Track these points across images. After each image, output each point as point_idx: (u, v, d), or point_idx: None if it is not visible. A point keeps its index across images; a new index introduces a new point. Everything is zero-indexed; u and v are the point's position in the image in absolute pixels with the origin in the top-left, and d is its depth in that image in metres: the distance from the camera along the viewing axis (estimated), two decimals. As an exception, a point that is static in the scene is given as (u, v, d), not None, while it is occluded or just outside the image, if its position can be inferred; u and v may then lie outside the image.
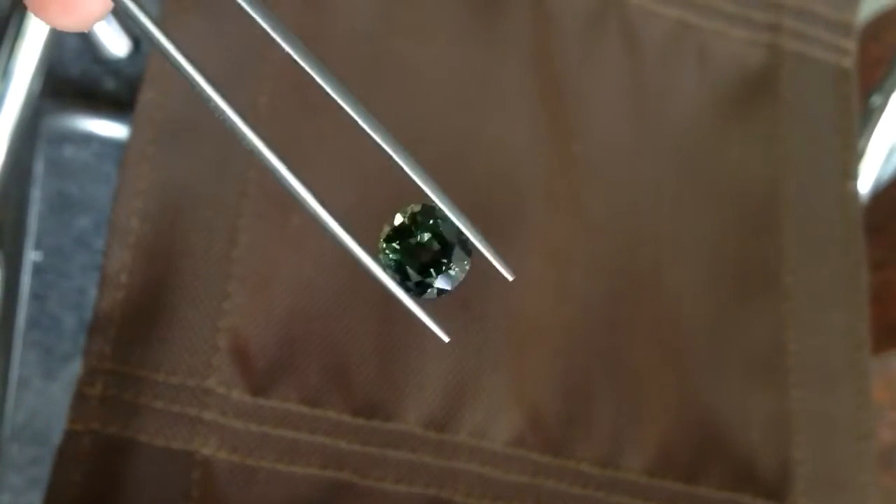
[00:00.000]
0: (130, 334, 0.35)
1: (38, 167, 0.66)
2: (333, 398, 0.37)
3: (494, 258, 0.18)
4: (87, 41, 0.67)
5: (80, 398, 0.35)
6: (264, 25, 0.17)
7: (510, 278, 0.19)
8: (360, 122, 0.18)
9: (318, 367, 0.37)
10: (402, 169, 0.18)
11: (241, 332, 0.36)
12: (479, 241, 0.18)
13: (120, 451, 0.34)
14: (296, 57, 0.17)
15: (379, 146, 0.18)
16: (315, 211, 0.18)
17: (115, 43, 0.64)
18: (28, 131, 0.44)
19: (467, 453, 0.38)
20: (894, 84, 0.49)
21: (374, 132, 0.18)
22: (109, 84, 0.69)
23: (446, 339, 0.19)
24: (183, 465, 0.35)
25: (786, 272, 0.44)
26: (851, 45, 0.48)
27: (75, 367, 0.61)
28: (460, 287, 0.18)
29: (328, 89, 0.18)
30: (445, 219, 0.18)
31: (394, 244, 0.18)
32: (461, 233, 0.18)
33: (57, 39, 0.43)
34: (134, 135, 0.38)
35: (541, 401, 0.39)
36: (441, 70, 0.42)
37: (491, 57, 0.43)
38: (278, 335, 0.37)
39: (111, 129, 0.66)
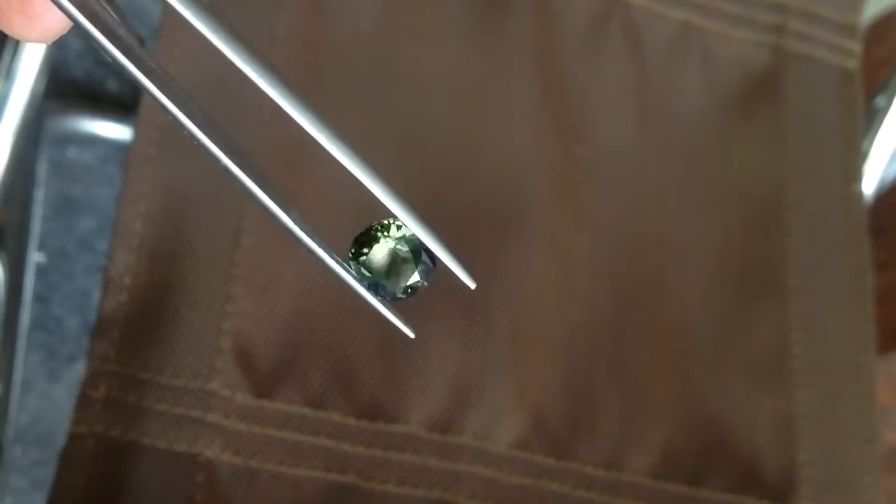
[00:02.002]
0: (134, 337, 0.35)
1: (42, 169, 0.66)
2: (337, 400, 0.37)
3: (456, 268, 0.19)
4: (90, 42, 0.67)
5: (83, 401, 0.35)
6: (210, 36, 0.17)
7: (472, 286, 0.19)
8: (318, 137, 0.18)
9: (321, 370, 0.37)
10: (363, 185, 0.19)
11: (245, 335, 0.36)
12: (441, 252, 0.19)
13: (123, 453, 0.34)
14: (229, 54, 0.17)
15: (334, 158, 0.19)
16: (279, 216, 0.19)
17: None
18: (31, 133, 0.44)
19: (471, 456, 0.38)
20: (899, 85, 0.48)
21: (332, 145, 0.18)
22: (113, 86, 0.69)
23: (411, 335, 0.20)
24: (186, 467, 0.35)
25: (790, 274, 0.44)
26: (855, 46, 0.47)
27: (79, 369, 0.61)
28: (427, 290, 0.20)
29: (280, 101, 0.18)
30: (407, 230, 0.19)
31: (361, 251, 0.20)
32: (422, 243, 0.19)
33: (60, 41, 0.43)
34: (137, 137, 0.38)
35: (545, 403, 0.39)
36: (445, 73, 0.42)
37: (494, 59, 0.43)
38: (282, 337, 0.37)
39: (115, 130, 0.66)
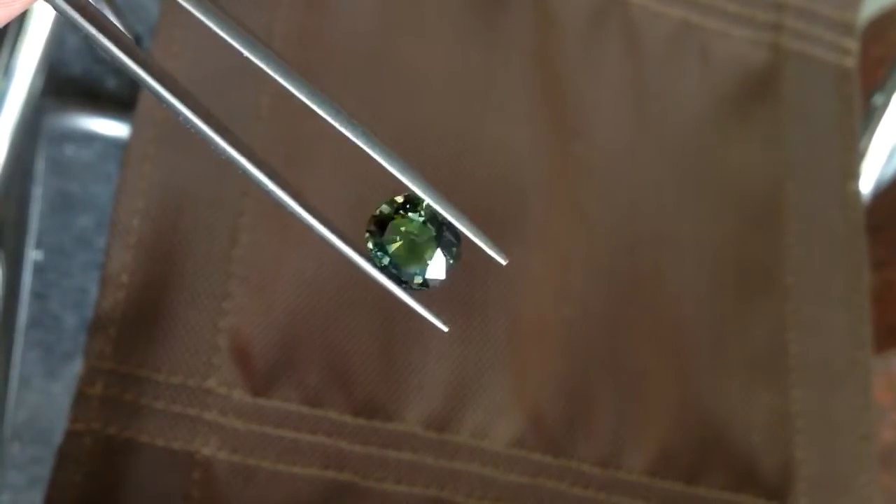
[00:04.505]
0: (131, 334, 0.35)
1: (40, 166, 0.66)
2: (334, 398, 0.37)
3: (485, 244, 0.18)
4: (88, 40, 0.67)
5: (80, 398, 0.35)
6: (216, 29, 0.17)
7: (503, 262, 0.18)
8: (332, 120, 0.17)
9: (318, 367, 0.37)
10: (380, 162, 0.17)
11: (242, 332, 0.36)
12: (468, 228, 0.17)
13: (121, 451, 0.34)
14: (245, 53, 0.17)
15: (352, 140, 0.17)
16: (296, 208, 0.18)
17: (117, 42, 0.64)
18: (29, 130, 0.44)
19: (468, 454, 0.38)
20: (897, 84, 0.48)
21: (349, 126, 0.17)
22: (111, 83, 0.69)
23: (445, 328, 0.19)
24: (183, 465, 0.35)
25: (787, 272, 0.44)
26: (853, 44, 0.47)
27: (76, 366, 0.61)
28: (454, 277, 0.18)
29: (295, 90, 0.17)
30: (430, 208, 0.18)
31: (379, 238, 0.18)
32: (448, 221, 0.18)
33: (58, 38, 0.43)
34: (135, 134, 0.38)
35: (542, 401, 0.39)
36: (443, 71, 0.42)
37: (492, 57, 0.43)
38: (279, 335, 0.37)
39: (113, 127, 0.66)
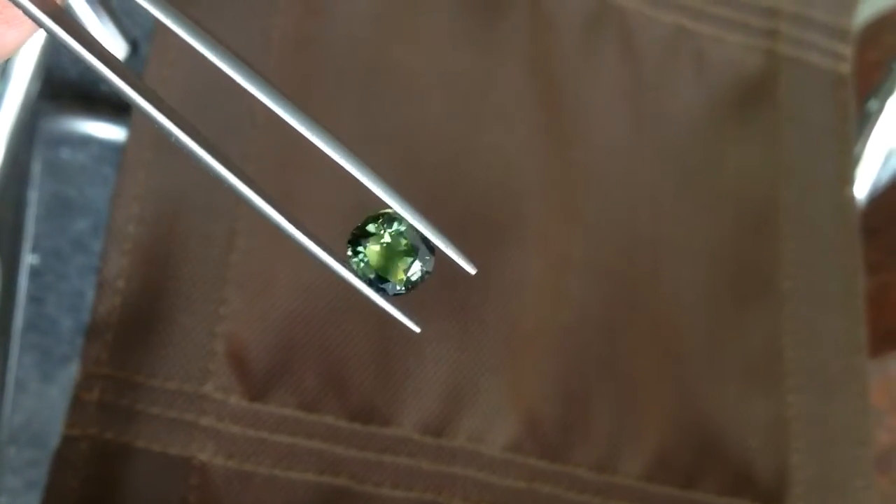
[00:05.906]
0: (127, 339, 0.35)
1: (36, 169, 0.65)
2: (330, 403, 0.37)
3: (455, 254, 0.19)
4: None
5: (77, 403, 0.35)
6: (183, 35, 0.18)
7: (472, 272, 0.20)
8: (307, 132, 0.19)
9: (315, 372, 0.37)
10: (365, 183, 0.19)
11: (239, 337, 0.36)
12: (441, 241, 0.19)
13: (117, 456, 0.34)
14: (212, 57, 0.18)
15: (328, 156, 0.19)
16: (271, 215, 0.20)
17: (113, 46, 0.64)
18: (26, 133, 0.44)
19: (464, 458, 0.38)
20: (891, 89, 0.49)
21: (322, 139, 0.19)
22: (107, 87, 0.69)
23: (417, 329, 0.20)
24: (180, 470, 0.35)
25: (783, 277, 0.44)
26: (848, 50, 0.48)
27: (73, 370, 0.61)
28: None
29: (267, 101, 0.19)
30: (407, 222, 0.20)
31: (358, 248, 0.20)
32: (423, 235, 0.20)
33: (55, 42, 0.43)
34: (131, 140, 0.38)
35: (538, 406, 0.39)
36: (439, 76, 0.42)
37: (489, 62, 0.43)
38: (275, 340, 0.37)
39: (109, 131, 0.66)
